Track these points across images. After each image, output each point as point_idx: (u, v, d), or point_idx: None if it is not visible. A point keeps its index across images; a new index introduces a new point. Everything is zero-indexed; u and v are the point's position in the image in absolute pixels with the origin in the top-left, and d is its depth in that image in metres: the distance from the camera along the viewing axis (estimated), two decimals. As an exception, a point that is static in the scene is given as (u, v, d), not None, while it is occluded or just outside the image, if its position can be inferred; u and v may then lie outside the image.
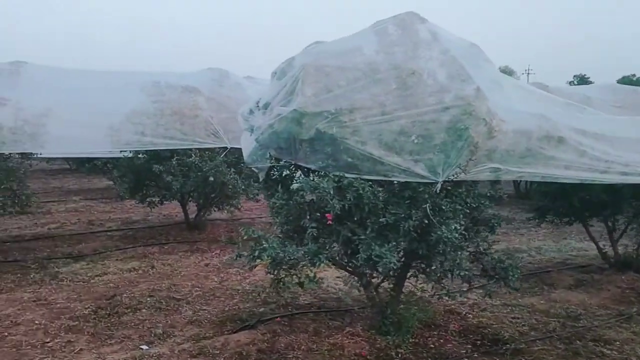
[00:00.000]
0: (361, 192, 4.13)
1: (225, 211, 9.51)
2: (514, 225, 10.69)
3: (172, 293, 6.33)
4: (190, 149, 8.51)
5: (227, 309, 5.87)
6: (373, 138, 4.21)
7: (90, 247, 8.58)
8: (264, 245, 4.25)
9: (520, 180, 13.12)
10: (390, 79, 4.37)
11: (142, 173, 8.95)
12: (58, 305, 5.90)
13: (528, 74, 66.27)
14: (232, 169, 8.63)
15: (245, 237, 4.48)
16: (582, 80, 37.68)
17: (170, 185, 8.57)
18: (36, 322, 5.40)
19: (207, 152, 8.69)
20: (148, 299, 6.10)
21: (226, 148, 8.67)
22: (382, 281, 4.98)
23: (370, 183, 4.20)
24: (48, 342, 4.93)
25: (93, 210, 12.15)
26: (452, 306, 5.90)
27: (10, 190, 7.50)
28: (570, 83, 36.88)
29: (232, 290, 6.48)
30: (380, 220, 4.25)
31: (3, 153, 7.48)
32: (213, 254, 8.22)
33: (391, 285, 5.09)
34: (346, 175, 4.22)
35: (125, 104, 8.79)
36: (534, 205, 8.08)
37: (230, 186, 8.50)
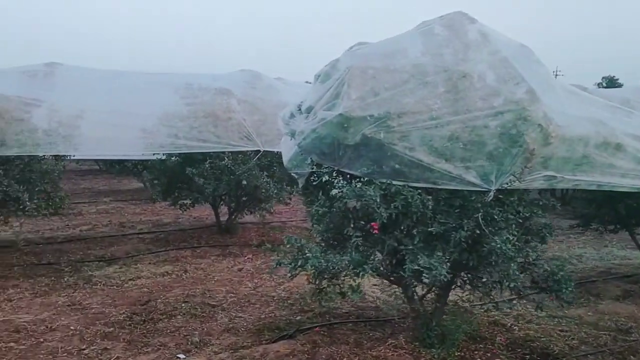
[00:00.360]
0: (410, 200, 3.96)
1: (258, 215, 9.39)
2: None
3: (206, 299, 6.23)
4: (223, 152, 8.42)
5: (263, 316, 5.74)
6: (422, 144, 4.03)
7: (122, 250, 8.54)
8: (307, 254, 4.09)
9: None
10: (439, 82, 4.18)
11: (175, 176, 8.88)
12: (93, 310, 5.83)
13: (556, 75, 65.14)
14: (265, 173, 8.52)
15: (288, 245, 4.32)
16: (611, 82, 36.65)
17: (203, 189, 8.49)
18: (71, 327, 5.33)
19: (240, 155, 8.58)
20: (183, 304, 6.00)
21: (259, 151, 8.55)
22: (428, 292, 4.79)
23: (419, 191, 4.02)
24: (84, 349, 4.85)
25: (124, 212, 12.16)
26: (496, 317, 5.68)
27: (44, 192, 7.47)
28: (599, 85, 35.95)
29: (267, 296, 6.35)
30: (429, 229, 4.07)
31: (37, 155, 7.45)
32: (245, 258, 8.11)
33: (434, 296, 4.91)
34: (393, 182, 4.06)
35: (158, 106, 8.72)
36: (571, 212, 7.83)
37: (263, 190, 8.38)
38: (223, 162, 8.39)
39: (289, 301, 6.18)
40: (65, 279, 6.92)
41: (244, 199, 9.00)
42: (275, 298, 6.30)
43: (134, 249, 8.66)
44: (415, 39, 4.70)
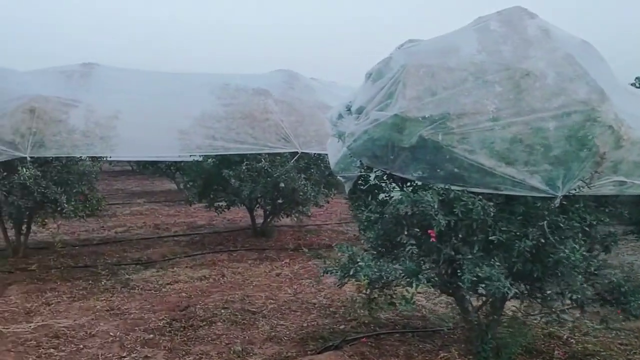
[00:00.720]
0: (470, 206, 3.73)
1: (295, 218, 9.23)
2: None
3: (246, 305, 6.07)
4: (260, 154, 8.27)
5: (305, 324, 5.55)
6: (482, 146, 3.79)
7: (158, 253, 8.45)
8: (360, 263, 3.89)
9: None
10: (500, 81, 3.94)
11: (210, 178, 8.77)
12: (132, 315, 5.72)
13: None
14: (302, 175, 8.35)
15: (339, 254, 4.12)
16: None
17: (239, 191, 8.35)
18: (111, 333, 5.22)
19: (277, 157, 8.42)
20: (222, 311, 5.85)
21: (296, 153, 8.40)
22: (485, 304, 4.55)
23: (480, 197, 3.79)
24: (124, 357, 4.72)
25: (157, 214, 12.12)
26: (551, 329, 5.40)
27: (81, 194, 7.41)
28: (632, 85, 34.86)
29: (308, 303, 6.17)
30: (490, 238, 3.84)
31: (74, 156, 7.39)
32: (283, 262, 7.94)
33: (489, 307, 4.65)
34: (451, 187, 3.83)
35: (195, 106, 8.65)
36: (617, 216, 7.44)
37: (300, 193, 8.20)
38: (260, 164, 8.23)
39: (330, 309, 5.98)
40: (103, 283, 6.83)
41: (280, 201, 8.83)
42: (316, 305, 6.11)
43: (170, 251, 8.56)
44: (470, 36, 4.46)
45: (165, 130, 8.37)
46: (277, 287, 6.79)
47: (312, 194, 8.34)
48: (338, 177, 4.91)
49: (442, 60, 4.04)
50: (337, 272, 4.18)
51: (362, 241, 4.66)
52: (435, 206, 3.74)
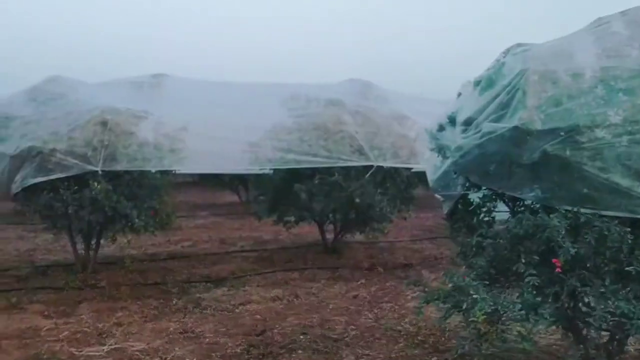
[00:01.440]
0: (605, 232, 3.25)
1: (370, 235, 8.83)
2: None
3: (325, 331, 5.70)
4: (332, 167, 7.93)
5: (393, 355, 5.13)
6: (617, 163, 3.32)
7: (227, 270, 8.20)
8: (474, 295, 3.46)
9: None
10: (635, 89, 3.45)
11: (281, 192, 8.48)
12: (207, 339, 5.44)
13: None
14: (379, 190, 7.95)
15: (449, 285, 3.70)
16: None
17: (310, 205, 8.04)
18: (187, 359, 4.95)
19: (352, 171, 8.07)
20: (301, 337, 5.51)
21: (371, 166, 8.01)
22: (613, 341, 4.02)
23: (616, 221, 3.30)
24: (204, 388, 4.43)
25: (222, 227, 11.95)
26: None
27: (152, 208, 7.25)
28: None
29: (393, 330, 5.74)
30: (626, 269, 3.34)
31: (145, 169, 7.24)
32: (358, 283, 7.54)
33: (616, 344, 4.12)
34: (581, 210, 3.36)
35: (265, 118, 8.44)
36: None
37: (377, 209, 7.81)
38: (333, 177, 7.89)
39: (418, 337, 5.53)
40: (174, 302, 6.62)
41: (353, 217, 8.44)
42: (402, 333, 5.68)
43: (238, 268, 8.30)
44: (587, 39, 4.00)
45: (234, 143, 8.16)
46: (357, 310, 6.40)
47: (389, 210, 7.93)
48: (436, 195, 4.48)
49: (566, 66, 3.59)
50: (440, 302, 3.77)
51: (464, 267, 4.22)
52: (563, 232, 3.28)
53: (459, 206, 4.29)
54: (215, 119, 8.28)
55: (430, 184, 4.42)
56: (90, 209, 6.78)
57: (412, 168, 8.26)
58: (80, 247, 7.86)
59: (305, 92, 8.77)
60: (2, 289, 7.00)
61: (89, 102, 7.10)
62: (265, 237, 10.91)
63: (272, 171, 8.53)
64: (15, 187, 6.56)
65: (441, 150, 4.15)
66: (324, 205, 7.88)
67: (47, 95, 6.96)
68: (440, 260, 8.70)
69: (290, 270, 8.14)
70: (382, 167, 8.15)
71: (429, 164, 4.46)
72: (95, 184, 6.63)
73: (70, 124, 6.58)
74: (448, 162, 4.01)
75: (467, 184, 4.04)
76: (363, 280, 7.63)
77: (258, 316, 6.15)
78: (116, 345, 5.27)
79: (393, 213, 8.14)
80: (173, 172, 8.52)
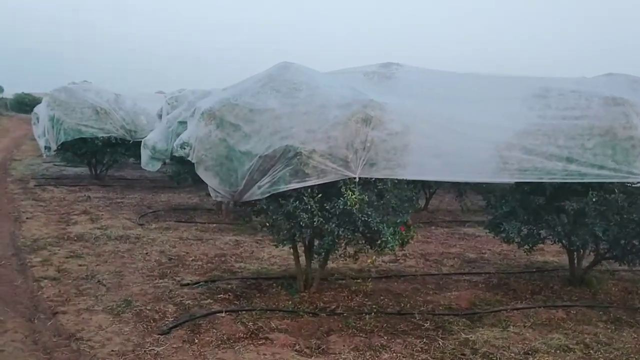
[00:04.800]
0: None
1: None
2: None
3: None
4: (612, 182, 6.54)
5: None
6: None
7: (464, 299, 6.99)
8: None
9: None
10: None
11: (535, 210, 7.15)
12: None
13: None
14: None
15: None
16: None
17: (575, 226, 6.68)
18: None
19: (629, 187, 6.64)
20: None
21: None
22: None
23: None
24: None
25: (427, 239, 10.66)
26: None
27: (404, 224, 6.18)
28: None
29: None
30: None
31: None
32: (648, 331, 6.12)
33: None
34: None
35: (512, 116, 7.15)
36: None
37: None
38: (612, 195, 6.50)
39: None
40: (440, 343, 5.54)
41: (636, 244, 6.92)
42: None
43: (477, 297, 7.08)
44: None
45: (475, 146, 6.93)
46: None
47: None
48: None
49: None
50: None
51: None
52: None
53: None
54: (449, 116, 7.07)
55: None
56: (338, 221, 5.81)
57: None
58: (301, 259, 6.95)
59: (556, 86, 7.39)
60: (231, 309, 6.20)
61: (335, 93, 6.09)
62: (468, 254, 9.63)
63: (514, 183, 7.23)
64: (261, 192, 5.68)
65: None
66: (604, 229, 6.50)
67: (288, 84, 6.02)
68: None
69: (549, 307, 6.80)
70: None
71: None
72: (349, 193, 5.62)
73: (327, 119, 5.60)
74: None
75: None
76: (653, 329, 6.20)
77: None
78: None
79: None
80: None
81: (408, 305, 6.68)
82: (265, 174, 5.63)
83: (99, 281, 7.22)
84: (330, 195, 5.82)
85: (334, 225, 5.82)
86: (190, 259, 8.55)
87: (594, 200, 6.52)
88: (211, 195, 6.28)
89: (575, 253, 7.67)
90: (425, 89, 7.55)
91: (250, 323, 5.83)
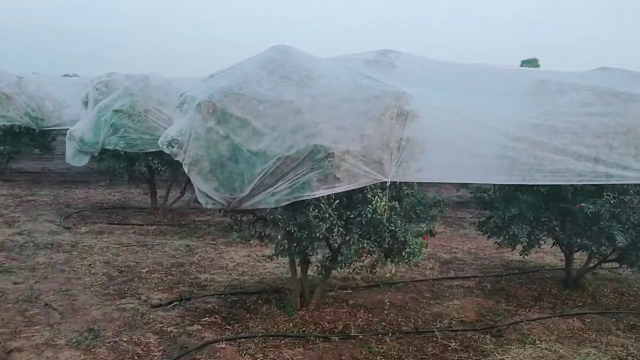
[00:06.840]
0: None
1: None
2: None
3: None
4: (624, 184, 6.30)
5: None
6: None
7: (469, 309, 6.54)
8: None
9: None
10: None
11: (543, 212, 6.79)
12: None
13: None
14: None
15: None
16: None
17: (584, 228, 6.39)
18: None
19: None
20: None
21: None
22: None
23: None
24: None
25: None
26: None
27: (428, 232, 5.55)
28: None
29: None
30: None
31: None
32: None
33: None
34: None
35: (514, 110, 6.70)
36: None
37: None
38: (627, 196, 6.26)
39: None
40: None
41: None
42: None
43: (482, 307, 6.64)
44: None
45: (483, 146, 6.41)
46: None
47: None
48: None
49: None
50: None
51: None
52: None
53: None
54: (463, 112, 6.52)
55: None
56: (361, 231, 5.09)
57: None
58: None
59: (554, 79, 7.05)
60: (229, 337, 5.30)
61: (355, 83, 5.27)
62: (441, 254, 9.21)
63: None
64: (276, 200, 4.81)
65: None
66: (609, 229, 6.25)
67: (299, 71, 5.13)
68: None
69: (564, 316, 6.46)
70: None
71: None
72: (378, 200, 4.91)
73: (358, 115, 4.81)
74: None
75: None
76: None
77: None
78: None
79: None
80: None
81: (419, 320, 6.11)
82: (281, 179, 4.77)
83: (46, 304, 6.06)
84: (355, 203, 5.07)
85: (357, 237, 5.08)
86: (144, 270, 7.47)
87: (611, 202, 6.24)
88: (201, 201, 5.31)
89: (572, 255, 7.43)
90: (439, 79, 6.89)
91: (259, 355, 5.00)
